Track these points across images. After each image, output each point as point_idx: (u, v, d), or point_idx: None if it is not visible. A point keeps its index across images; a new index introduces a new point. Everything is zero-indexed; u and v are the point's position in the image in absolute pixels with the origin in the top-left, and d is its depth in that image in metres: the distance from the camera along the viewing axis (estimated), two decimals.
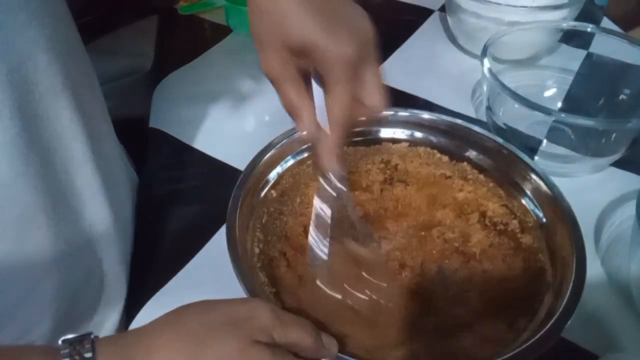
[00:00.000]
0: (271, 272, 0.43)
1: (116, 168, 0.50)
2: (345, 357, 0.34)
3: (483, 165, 0.49)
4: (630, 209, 0.49)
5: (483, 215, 0.48)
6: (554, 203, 0.43)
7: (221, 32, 0.78)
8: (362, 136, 0.51)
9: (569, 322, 0.35)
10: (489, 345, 0.39)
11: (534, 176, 0.46)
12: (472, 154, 0.49)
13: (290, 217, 0.48)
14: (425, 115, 0.50)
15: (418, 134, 0.51)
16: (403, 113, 0.50)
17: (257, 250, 0.43)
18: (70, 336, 0.29)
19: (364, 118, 0.37)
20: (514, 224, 0.46)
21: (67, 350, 0.28)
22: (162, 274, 0.47)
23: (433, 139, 0.50)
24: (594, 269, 0.47)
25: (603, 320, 0.43)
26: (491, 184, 0.49)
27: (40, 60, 0.35)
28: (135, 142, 0.62)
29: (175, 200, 0.54)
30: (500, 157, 0.48)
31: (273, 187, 0.47)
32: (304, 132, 0.36)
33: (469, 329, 0.41)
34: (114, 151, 0.50)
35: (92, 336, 0.29)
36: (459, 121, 0.50)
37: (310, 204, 0.49)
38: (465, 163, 0.50)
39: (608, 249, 0.48)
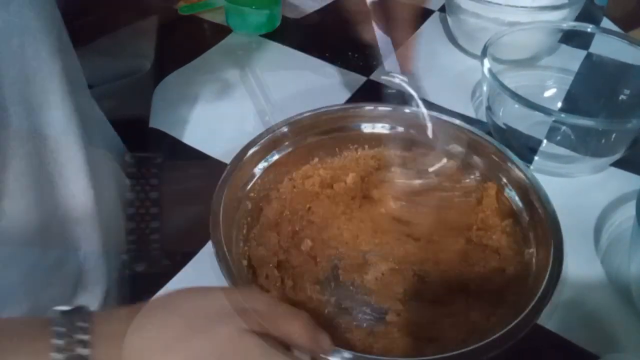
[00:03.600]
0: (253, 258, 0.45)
1: (101, 150, 0.50)
2: (342, 349, 0.33)
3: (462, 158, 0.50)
4: (630, 209, 0.49)
5: None
6: (530, 190, 0.44)
7: (221, 32, 0.77)
8: (342, 132, 0.52)
9: (546, 307, 0.36)
10: (465, 330, 0.39)
11: (509, 164, 0.46)
12: (452, 147, 0.50)
13: (276, 202, 0.49)
14: (406, 110, 0.51)
15: (399, 129, 0.51)
16: (384, 108, 0.51)
17: (241, 237, 0.45)
18: (64, 308, 0.29)
19: None
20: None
21: (61, 321, 0.28)
22: (163, 273, 0.47)
23: (414, 132, 0.51)
24: (594, 269, 0.47)
25: (603, 320, 0.43)
26: (469, 174, 0.50)
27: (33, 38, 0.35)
28: (135, 142, 0.62)
29: (175, 200, 0.54)
30: (479, 148, 0.49)
31: (259, 178, 0.48)
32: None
33: (446, 315, 0.41)
34: (101, 135, 0.51)
35: (84, 310, 0.29)
36: (436, 114, 0.50)
37: (294, 190, 0.50)
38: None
39: (608, 249, 0.48)
